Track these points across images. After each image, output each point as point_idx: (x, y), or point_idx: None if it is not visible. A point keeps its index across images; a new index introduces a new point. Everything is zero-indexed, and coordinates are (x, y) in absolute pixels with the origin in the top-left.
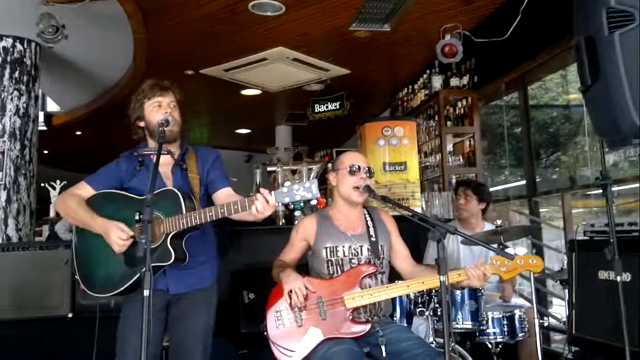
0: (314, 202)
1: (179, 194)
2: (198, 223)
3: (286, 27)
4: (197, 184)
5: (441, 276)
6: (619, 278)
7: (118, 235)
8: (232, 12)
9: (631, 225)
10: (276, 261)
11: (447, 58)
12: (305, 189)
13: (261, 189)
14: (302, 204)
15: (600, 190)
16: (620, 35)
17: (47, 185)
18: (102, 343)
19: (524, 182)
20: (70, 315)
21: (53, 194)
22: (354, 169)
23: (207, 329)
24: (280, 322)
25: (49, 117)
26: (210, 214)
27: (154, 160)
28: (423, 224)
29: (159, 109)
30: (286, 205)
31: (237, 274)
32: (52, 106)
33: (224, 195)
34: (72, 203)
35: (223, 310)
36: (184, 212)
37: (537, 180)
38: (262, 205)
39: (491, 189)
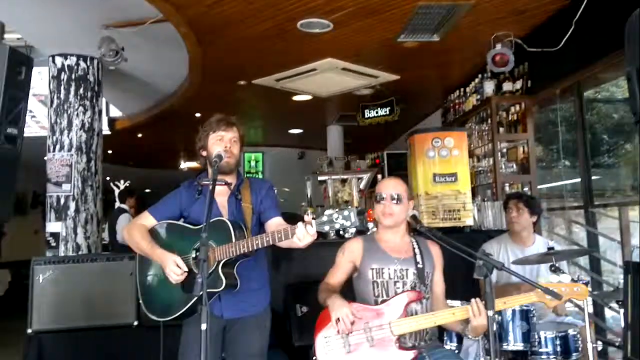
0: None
1: (230, 224)
2: (246, 251)
3: (334, 41)
4: (250, 214)
5: (489, 311)
6: None
7: (173, 270)
8: (281, 31)
9: None
10: (322, 284)
11: (498, 67)
12: (344, 217)
13: (305, 217)
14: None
15: None
16: None
17: (112, 184)
18: (166, 351)
19: (579, 180)
20: (135, 323)
21: (117, 192)
22: (378, 197)
23: (262, 352)
24: (329, 348)
25: (112, 121)
26: (257, 242)
27: (210, 192)
28: (469, 258)
29: (220, 143)
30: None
31: (290, 286)
32: (114, 111)
33: (274, 224)
34: (136, 234)
35: (277, 323)
36: (234, 241)
37: (594, 178)
38: (303, 234)
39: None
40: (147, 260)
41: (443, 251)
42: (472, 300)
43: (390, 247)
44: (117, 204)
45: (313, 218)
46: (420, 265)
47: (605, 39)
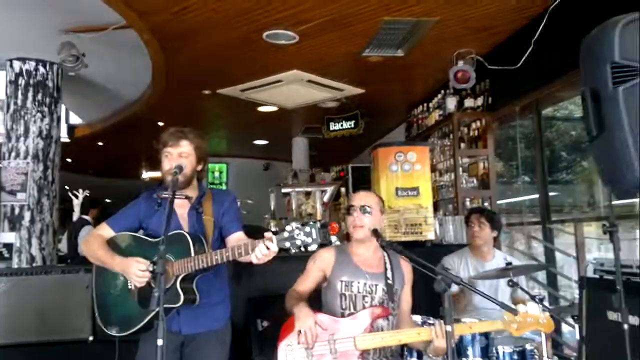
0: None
1: (189, 238)
2: (205, 266)
3: (300, 53)
4: (211, 227)
5: (447, 326)
6: (625, 326)
7: (138, 268)
8: (246, 41)
9: None
10: (290, 291)
11: (460, 84)
12: (306, 234)
13: (266, 234)
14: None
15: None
16: (624, 90)
17: (70, 193)
18: None
19: (537, 195)
20: (91, 338)
21: (76, 202)
22: (350, 210)
23: None
24: (290, 356)
25: (71, 129)
26: (216, 257)
27: (170, 204)
28: (429, 272)
29: (168, 159)
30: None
31: (251, 300)
32: (74, 118)
33: (235, 239)
34: (94, 245)
35: (237, 338)
36: (193, 255)
37: (552, 194)
38: (263, 251)
39: (504, 202)
40: (104, 272)
41: (413, 267)
42: (437, 321)
43: (362, 261)
44: (76, 214)
45: (274, 233)
46: (390, 282)
47: (563, 58)
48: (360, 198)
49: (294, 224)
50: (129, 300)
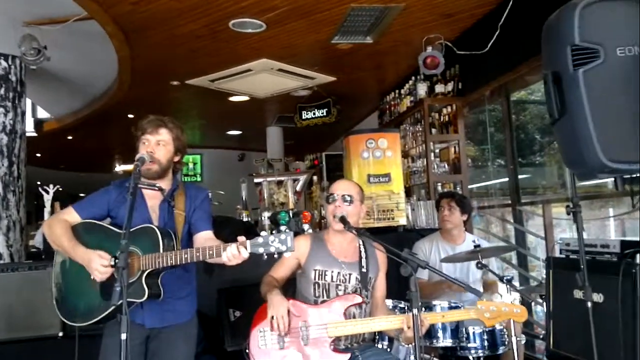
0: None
1: (158, 232)
2: (173, 264)
3: (268, 41)
4: (182, 222)
5: (414, 309)
6: (589, 304)
7: (100, 263)
8: (212, 30)
9: (603, 248)
10: (266, 277)
11: (429, 70)
12: (280, 241)
13: (239, 238)
14: (287, 218)
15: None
16: (584, 72)
17: (40, 189)
18: None
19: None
20: (60, 334)
21: (47, 197)
22: (330, 198)
23: None
24: (263, 342)
25: (39, 123)
26: (186, 256)
27: (132, 195)
28: (396, 258)
29: (144, 146)
30: (272, 221)
31: (223, 291)
32: (42, 112)
33: (203, 237)
34: (58, 229)
35: (209, 328)
36: (161, 251)
37: (523, 177)
38: (234, 254)
39: (477, 186)
40: (64, 263)
41: (378, 230)
42: (409, 313)
43: (337, 250)
44: (47, 210)
45: (248, 237)
46: (364, 270)
47: (528, 42)
48: (342, 187)
49: (266, 232)
50: (91, 290)
